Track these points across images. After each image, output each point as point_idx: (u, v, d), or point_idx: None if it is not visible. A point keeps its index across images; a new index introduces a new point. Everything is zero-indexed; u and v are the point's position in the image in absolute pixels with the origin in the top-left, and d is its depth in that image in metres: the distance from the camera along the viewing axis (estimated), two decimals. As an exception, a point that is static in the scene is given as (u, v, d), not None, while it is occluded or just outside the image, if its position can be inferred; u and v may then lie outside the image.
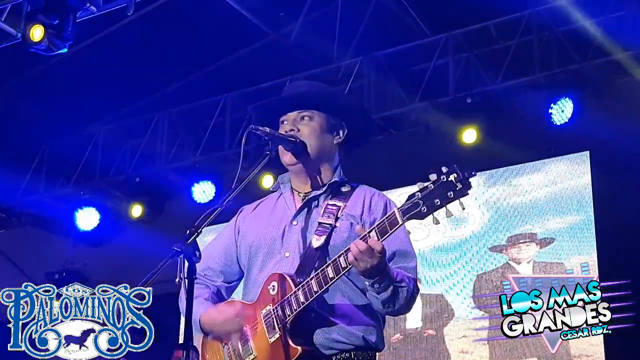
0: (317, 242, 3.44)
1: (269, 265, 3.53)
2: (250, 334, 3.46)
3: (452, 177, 3.05)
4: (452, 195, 3.05)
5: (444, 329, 7.90)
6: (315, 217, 3.54)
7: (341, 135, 3.67)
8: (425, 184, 3.11)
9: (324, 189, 3.61)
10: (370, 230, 3.20)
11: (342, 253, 3.25)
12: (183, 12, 7.82)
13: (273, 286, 3.42)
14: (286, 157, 3.62)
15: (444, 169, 3.07)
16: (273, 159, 3.56)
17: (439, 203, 3.07)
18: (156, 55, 8.02)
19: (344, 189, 3.62)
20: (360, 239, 3.19)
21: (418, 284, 3.50)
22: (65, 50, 6.81)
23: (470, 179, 3.06)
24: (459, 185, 3.05)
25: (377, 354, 3.52)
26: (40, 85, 8.48)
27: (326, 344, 3.38)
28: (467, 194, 3.04)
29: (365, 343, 3.43)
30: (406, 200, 3.13)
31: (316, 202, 3.61)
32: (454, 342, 7.82)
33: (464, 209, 3.11)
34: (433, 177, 3.10)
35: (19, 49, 7.01)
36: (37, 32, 6.59)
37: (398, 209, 3.16)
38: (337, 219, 3.49)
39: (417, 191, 3.11)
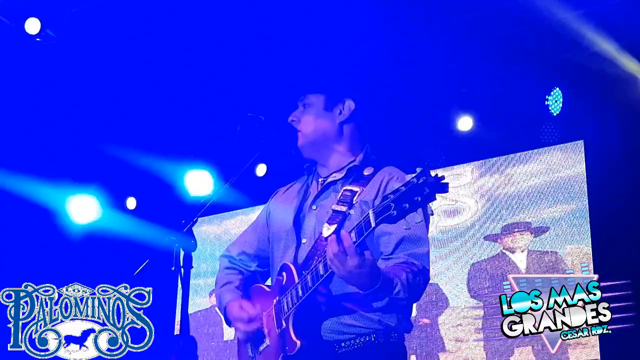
0: (327, 231, 3.36)
1: (288, 251, 3.53)
2: (265, 323, 3.48)
3: (421, 181, 2.85)
4: (419, 200, 2.86)
5: (438, 318, 7.92)
6: (332, 202, 3.48)
7: (344, 111, 3.60)
8: (399, 185, 2.94)
9: (344, 173, 3.56)
10: (350, 232, 3.06)
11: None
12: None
13: (283, 276, 3.42)
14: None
15: (418, 170, 2.89)
16: (268, 149, 3.53)
17: (407, 207, 2.87)
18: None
19: (366, 172, 3.54)
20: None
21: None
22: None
23: (442, 182, 2.84)
24: (427, 190, 2.84)
25: (405, 335, 3.45)
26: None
27: (338, 329, 3.34)
28: (435, 198, 2.84)
29: (384, 326, 3.36)
30: (381, 201, 2.97)
31: (335, 186, 3.56)
32: (449, 331, 7.84)
33: (432, 214, 2.95)
34: (409, 177, 2.92)
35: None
36: (33, 24, 6.50)
37: (372, 209, 2.99)
38: (351, 206, 3.40)
39: (391, 192, 2.94)
